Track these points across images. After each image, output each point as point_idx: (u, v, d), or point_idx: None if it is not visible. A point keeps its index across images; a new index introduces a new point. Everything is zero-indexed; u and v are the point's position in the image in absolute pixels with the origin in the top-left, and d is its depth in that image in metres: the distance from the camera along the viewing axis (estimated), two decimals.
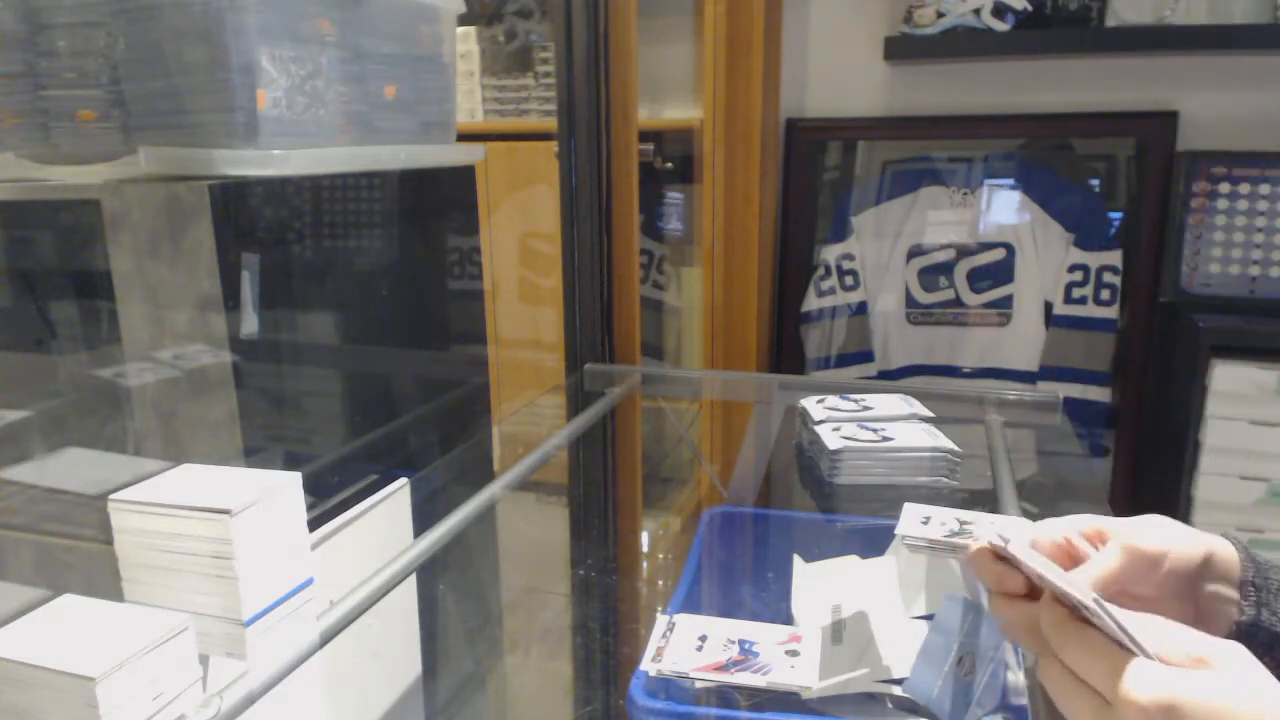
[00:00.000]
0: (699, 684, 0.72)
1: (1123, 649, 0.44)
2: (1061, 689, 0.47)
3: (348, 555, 0.82)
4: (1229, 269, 1.81)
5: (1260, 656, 0.43)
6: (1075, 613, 0.47)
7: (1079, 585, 0.47)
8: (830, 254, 2.12)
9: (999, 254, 2.05)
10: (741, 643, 0.75)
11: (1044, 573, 0.48)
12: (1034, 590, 0.51)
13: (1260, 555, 0.56)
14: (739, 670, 0.71)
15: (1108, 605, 0.45)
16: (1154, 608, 0.50)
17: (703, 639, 0.76)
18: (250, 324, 0.79)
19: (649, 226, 2.19)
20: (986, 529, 0.52)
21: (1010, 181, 2.03)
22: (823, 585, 0.87)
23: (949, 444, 1.11)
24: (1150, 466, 1.98)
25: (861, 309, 2.12)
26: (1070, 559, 0.55)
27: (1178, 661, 0.44)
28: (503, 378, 2.00)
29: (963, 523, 0.71)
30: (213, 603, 0.62)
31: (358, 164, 0.93)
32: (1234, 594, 0.54)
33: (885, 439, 1.13)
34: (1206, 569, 0.54)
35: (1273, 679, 0.43)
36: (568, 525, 1.21)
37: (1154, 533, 0.53)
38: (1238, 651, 0.44)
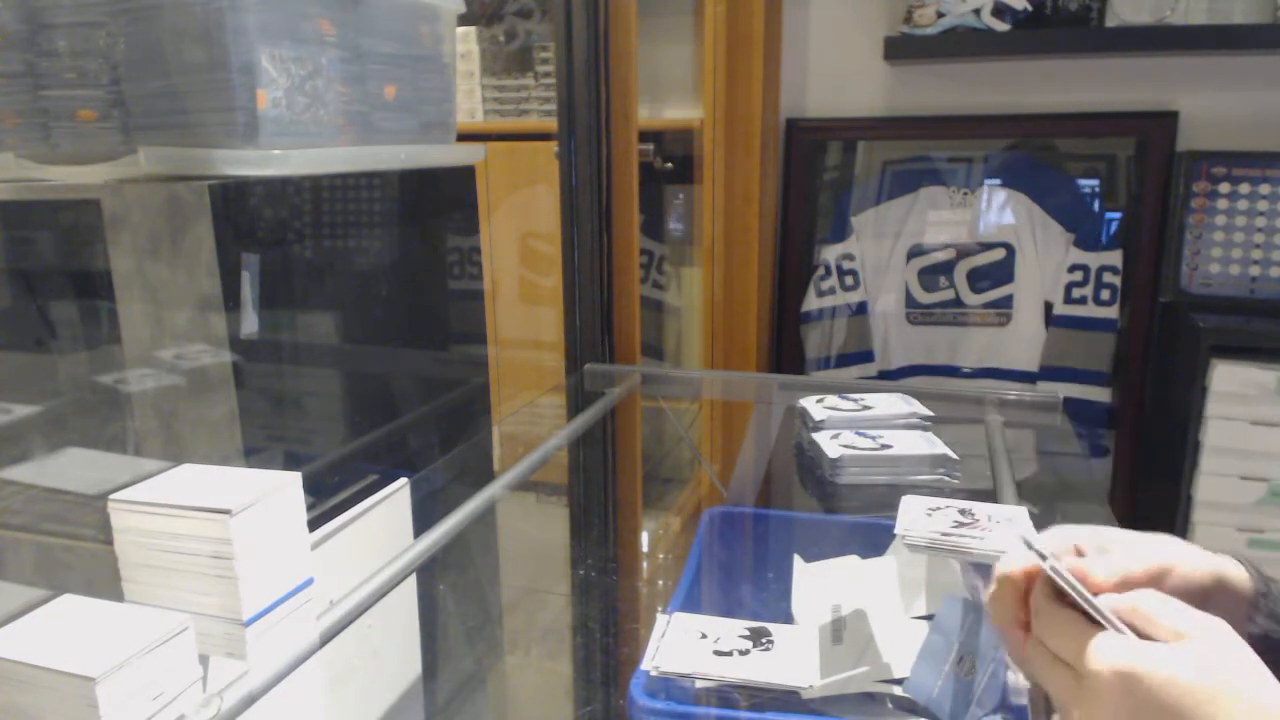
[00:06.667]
0: (699, 684, 0.72)
1: (1094, 625, 0.46)
2: (1039, 666, 0.49)
3: (348, 555, 0.82)
4: (1229, 269, 1.81)
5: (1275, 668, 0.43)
6: (1063, 597, 0.48)
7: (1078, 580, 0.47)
8: (830, 254, 2.12)
9: (999, 254, 2.05)
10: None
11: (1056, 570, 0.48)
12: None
13: (1267, 571, 0.56)
14: (739, 668, 0.71)
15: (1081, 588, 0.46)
16: None
17: (703, 638, 0.76)
18: (250, 324, 0.79)
19: (649, 226, 2.19)
20: (1015, 542, 0.52)
21: (1010, 181, 2.03)
22: (823, 585, 0.87)
23: (946, 450, 1.12)
24: (1150, 466, 1.98)
25: (861, 309, 2.12)
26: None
27: (1161, 636, 0.44)
28: (503, 378, 1.99)
29: (963, 512, 0.71)
30: (213, 603, 0.62)
31: (358, 164, 0.93)
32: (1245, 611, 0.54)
33: (884, 446, 1.13)
34: (1220, 590, 0.54)
35: (1246, 656, 0.43)
36: (568, 525, 1.21)
37: (1161, 548, 0.53)
38: (1218, 627, 0.44)
